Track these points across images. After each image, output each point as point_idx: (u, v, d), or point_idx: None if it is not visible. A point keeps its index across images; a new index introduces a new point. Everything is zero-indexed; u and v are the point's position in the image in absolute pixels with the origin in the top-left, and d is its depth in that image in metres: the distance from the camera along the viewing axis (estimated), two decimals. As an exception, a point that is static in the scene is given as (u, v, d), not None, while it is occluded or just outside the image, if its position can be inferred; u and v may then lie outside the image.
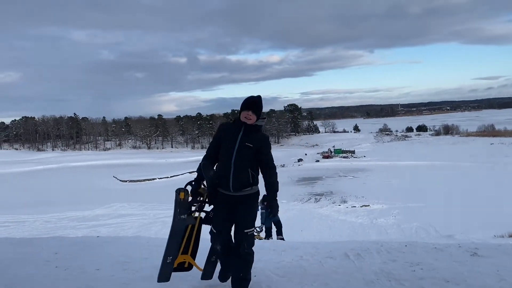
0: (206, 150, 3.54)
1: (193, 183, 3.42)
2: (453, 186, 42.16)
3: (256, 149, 3.27)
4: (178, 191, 3.33)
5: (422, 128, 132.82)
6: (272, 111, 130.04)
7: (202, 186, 3.41)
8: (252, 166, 3.29)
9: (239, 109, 3.38)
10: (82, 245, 5.10)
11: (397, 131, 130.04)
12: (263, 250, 4.43)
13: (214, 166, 3.41)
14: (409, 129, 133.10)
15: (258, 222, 9.61)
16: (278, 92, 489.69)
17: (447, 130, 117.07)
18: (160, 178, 62.38)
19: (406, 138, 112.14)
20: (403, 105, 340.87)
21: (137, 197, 44.88)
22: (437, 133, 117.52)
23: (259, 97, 3.37)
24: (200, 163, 3.42)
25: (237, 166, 3.23)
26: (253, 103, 3.31)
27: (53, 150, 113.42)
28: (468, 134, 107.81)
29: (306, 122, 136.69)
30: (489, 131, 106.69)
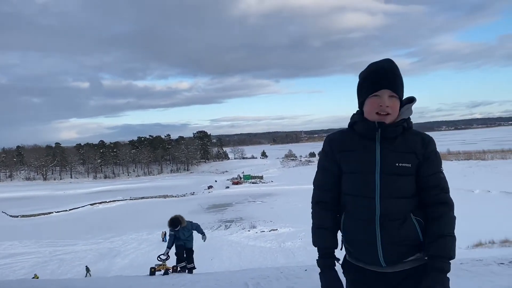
0: (314, 188, 1.97)
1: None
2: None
3: (416, 168, 1.78)
4: None
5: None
6: (181, 137, 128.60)
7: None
8: (413, 205, 1.78)
9: (359, 92, 1.88)
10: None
11: (301, 156, 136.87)
12: (163, 286, 4.23)
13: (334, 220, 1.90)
14: (312, 155, 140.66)
15: (163, 248, 8.13)
16: (187, 119, 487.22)
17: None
18: (57, 212, 57.26)
19: (310, 163, 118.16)
20: (306, 132, 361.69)
21: (31, 233, 40.57)
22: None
23: (391, 62, 1.83)
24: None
25: (386, 213, 1.74)
26: (389, 73, 1.80)
27: None
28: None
29: (216, 148, 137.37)
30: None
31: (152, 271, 7.43)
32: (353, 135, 1.83)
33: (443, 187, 1.79)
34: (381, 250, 1.73)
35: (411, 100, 1.84)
